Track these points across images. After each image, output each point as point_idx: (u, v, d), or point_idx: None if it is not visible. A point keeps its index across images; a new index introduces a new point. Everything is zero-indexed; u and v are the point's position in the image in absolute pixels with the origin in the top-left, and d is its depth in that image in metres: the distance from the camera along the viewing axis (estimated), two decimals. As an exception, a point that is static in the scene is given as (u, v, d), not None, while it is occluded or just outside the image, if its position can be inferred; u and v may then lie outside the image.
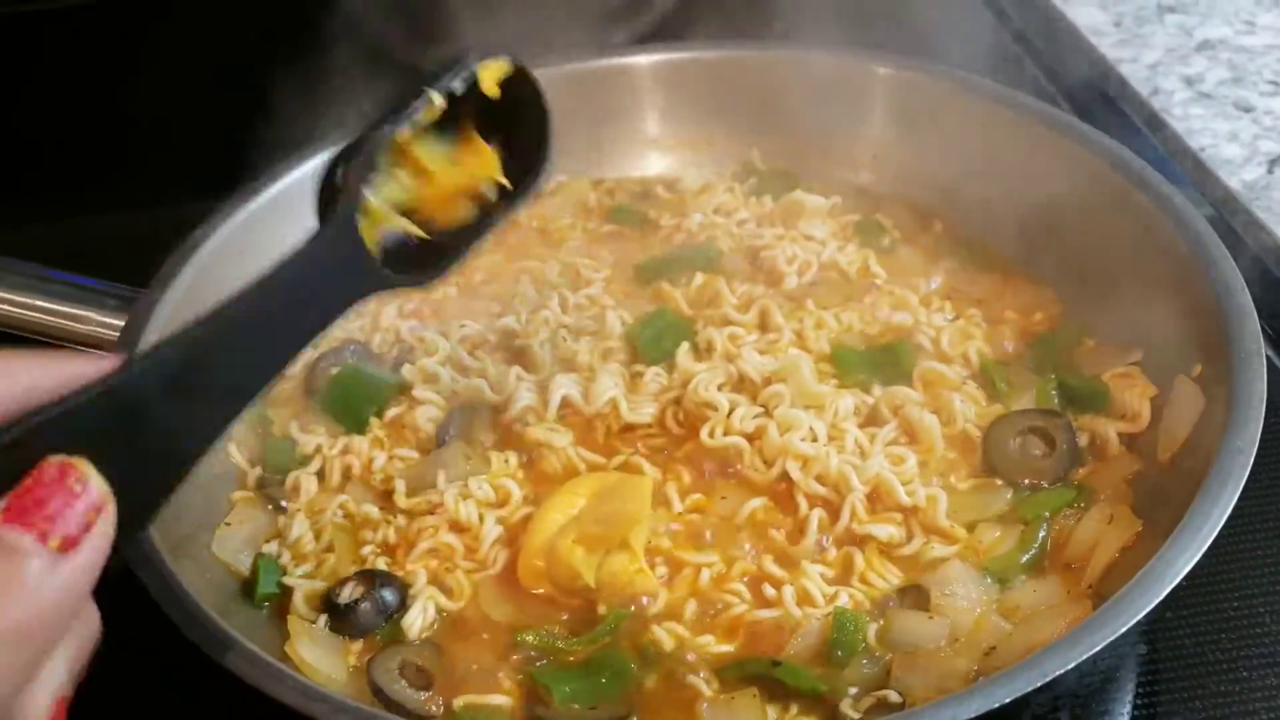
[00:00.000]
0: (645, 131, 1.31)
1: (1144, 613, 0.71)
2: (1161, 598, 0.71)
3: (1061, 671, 0.70)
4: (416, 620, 0.86)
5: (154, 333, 0.97)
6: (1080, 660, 0.70)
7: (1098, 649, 0.70)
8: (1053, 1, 1.65)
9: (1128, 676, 0.89)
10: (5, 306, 1.04)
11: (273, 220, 1.11)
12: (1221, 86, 1.45)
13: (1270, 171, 1.32)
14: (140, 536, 0.78)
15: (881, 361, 1.01)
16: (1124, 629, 0.71)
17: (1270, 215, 1.25)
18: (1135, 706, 0.86)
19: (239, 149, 1.14)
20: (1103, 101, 1.48)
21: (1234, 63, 1.49)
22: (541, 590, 0.88)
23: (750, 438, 0.95)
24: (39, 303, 1.04)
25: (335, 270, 0.73)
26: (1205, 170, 1.31)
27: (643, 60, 1.28)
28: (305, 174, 1.13)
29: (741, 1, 1.36)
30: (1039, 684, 0.70)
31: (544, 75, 1.22)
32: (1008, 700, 0.69)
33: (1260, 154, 1.34)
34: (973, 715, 0.68)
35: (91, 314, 1.03)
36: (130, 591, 0.76)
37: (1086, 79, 1.51)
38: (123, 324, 1.00)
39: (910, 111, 1.22)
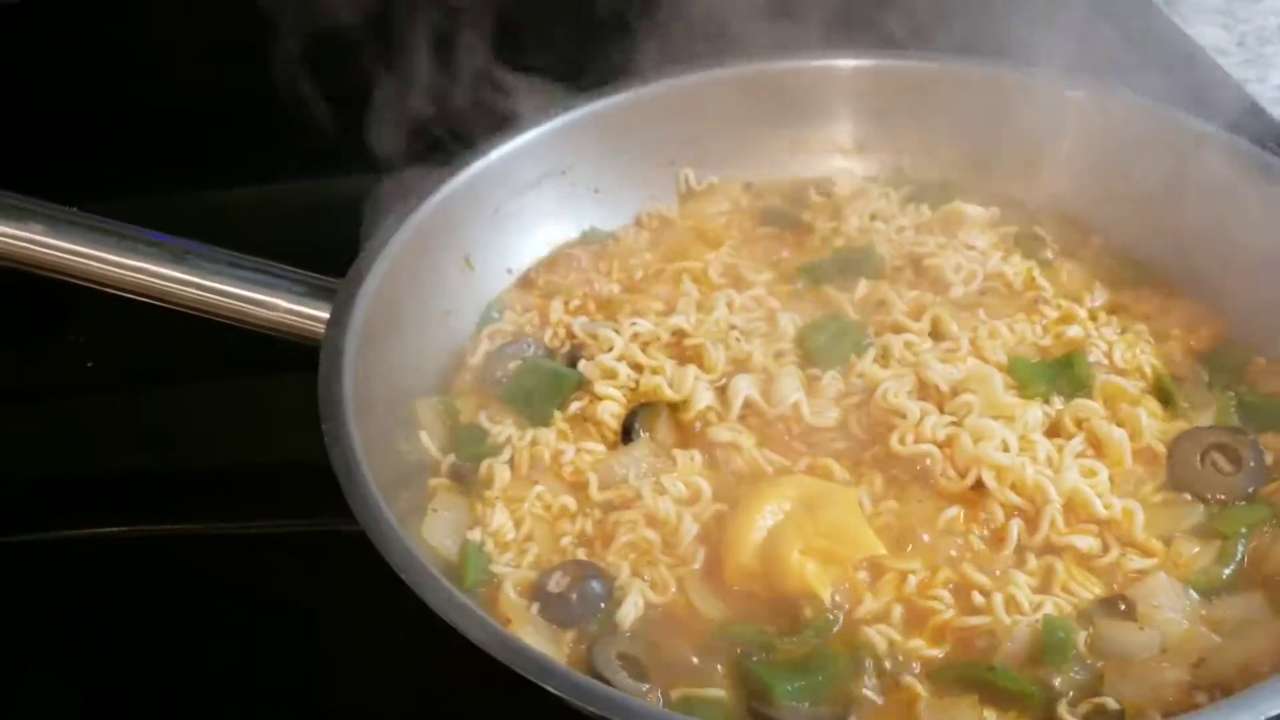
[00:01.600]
0: (794, 135, 1.32)
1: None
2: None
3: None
4: (630, 613, 0.88)
5: (356, 325, 0.98)
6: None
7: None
8: (1172, 19, 1.66)
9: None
10: (194, 291, 1.05)
11: (452, 213, 1.13)
12: (1351, 109, 1.46)
13: None
14: (380, 521, 0.81)
15: (1058, 374, 1.02)
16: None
17: None
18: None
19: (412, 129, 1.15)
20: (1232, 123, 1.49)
21: (1360, 86, 1.50)
22: (747, 589, 0.89)
23: (941, 445, 0.96)
24: (227, 288, 1.05)
25: None
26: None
27: (799, 65, 1.29)
28: (485, 166, 1.15)
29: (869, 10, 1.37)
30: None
31: (701, 79, 1.27)
32: None
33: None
34: None
35: (280, 301, 1.05)
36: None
37: (1216, 100, 1.52)
38: (315, 312, 1.01)
39: (1065, 126, 1.23)
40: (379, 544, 0.80)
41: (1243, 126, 1.45)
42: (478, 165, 1.14)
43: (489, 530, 0.95)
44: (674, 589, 0.90)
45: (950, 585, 0.89)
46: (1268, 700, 0.70)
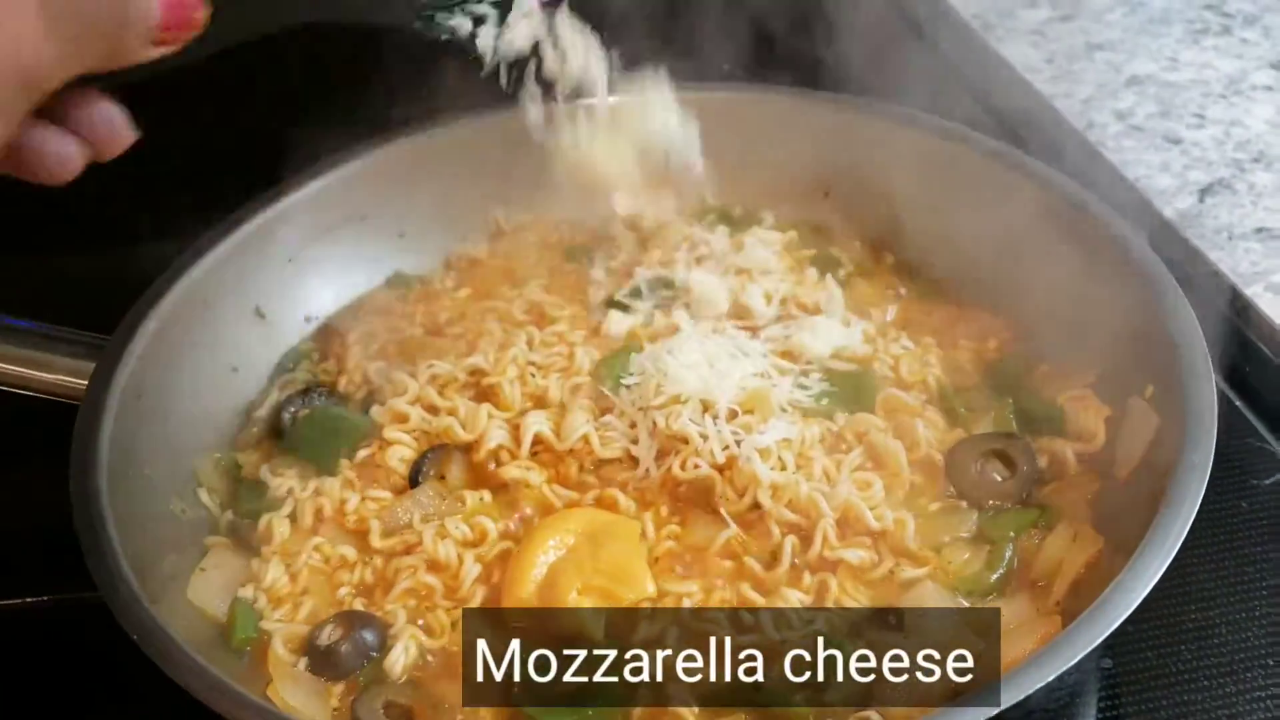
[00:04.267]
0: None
1: (1114, 626, 0.73)
2: (1131, 610, 0.74)
3: (1038, 686, 0.72)
4: (399, 659, 0.86)
5: (121, 382, 0.96)
6: (1058, 674, 0.72)
7: (1074, 662, 0.72)
8: (987, 41, 1.71)
9: (1091, 689, 0.91)
10: (-33, 358, 1.02)
11: (238, 264, 1.11)
12: (1151, 120, 1.51)
13: (1201, 200, 1.38)
14: (120, 586, 0.78)
15: (844, 390, 1.03)
16: (1096, 643, 0.73)
17: (1204, 242, 1.31)
18: (1098, 717, 0.89)
19: (205, 190, 1.14)
20: (1040, 135, 1.53)
21: (1161, 97, 1.56)
22: (525, 625, 0.88)
23: (720, 469, 0.96)
24: (3, 350, 1.02)
25: None
26: (1142, 200, 1.36)
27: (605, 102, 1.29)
28: (269, 218, 1.14)
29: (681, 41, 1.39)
30: (1017, 700, 0.71)
31: (507, 117, 1.27)
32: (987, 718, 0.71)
33: (1190, 184, 1.40)
34: None
35: (56, 360, 1.02)
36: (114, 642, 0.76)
37: (1024, 113, 1.56)
38: (89, 369, 0.99)
39: (860, 148, 1.25)
40: (116, 611, 0.77)
41: (1046, 140, 1.50)
42: (264, 214, 1.13)
43: (262, 586, 0.93)
44: (449, 631, 0.89)
45: (725, 606, 0.88)
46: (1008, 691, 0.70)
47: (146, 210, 1.17)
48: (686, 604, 0.89)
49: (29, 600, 1.01)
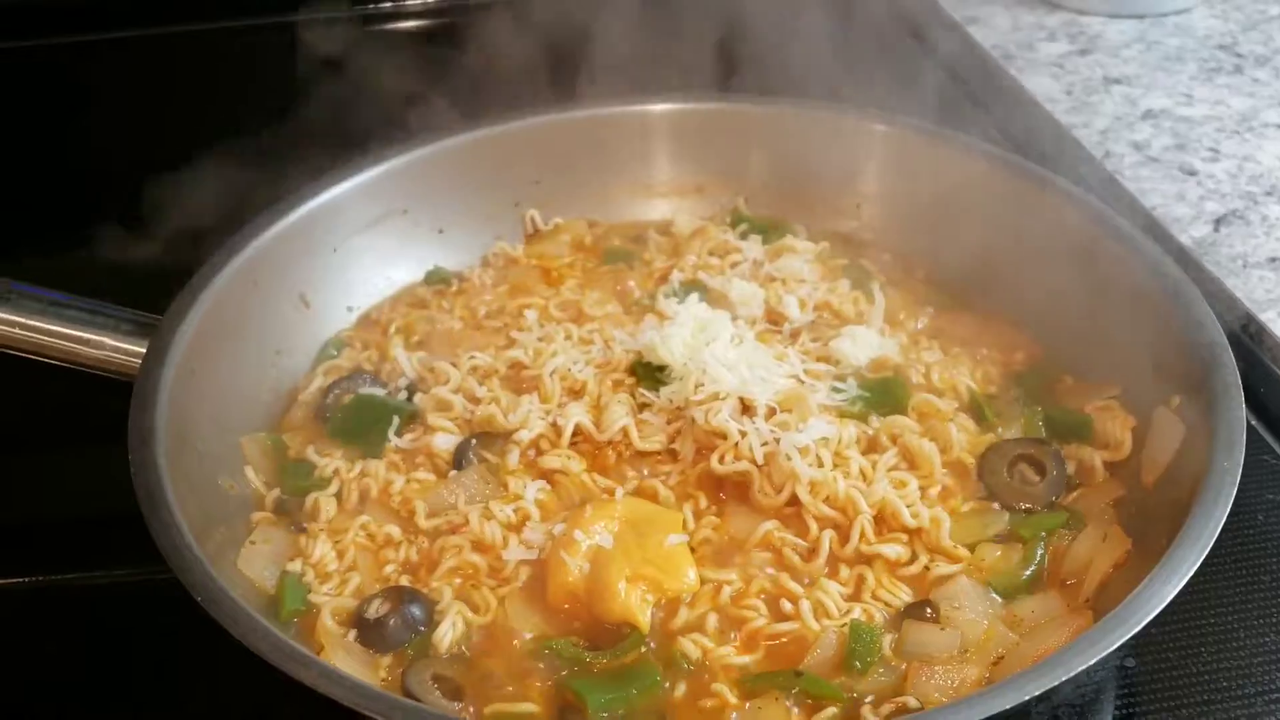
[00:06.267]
0: (638, 177, 1.36)
1: (1147, 620, 0.76)
2: (1162, 608, 0.77)
3: (1067, 677, 0.75)
4: (447, 634, 0.89)
5: (175, 358, 0.98)
6: (1088, 665, 0.75)
7: (1106, 654, 0.75)
8: (1009, 71, 1.76)
9: (1112, 688, 0.94)
10: (19, 331, 1.05)
11: (286, 250, 1.14)
12: (1167, 152, 1.56)
13: (1216, 229, 1.42)
14: (184, 552, 0.80)
15: (877, 394, 1.07)
16: (1128, 636, 0.76)
17: (1219, 269, 1.35)
18: (1120, 714, 0.92)
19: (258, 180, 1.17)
20: (1059, 163, 1.57)
21: (1176, 130, 1.61)
22: (569, 609, 0.90)
23: (759, 466, 0.99)
24: (53, 327, 1.05)
25: None
26: (1159, 227, 1.41)
27: (640, 109, 1.34)
28: (318, 207, 1.17)
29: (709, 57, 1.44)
30: (1047, 689, 0.74)
31: (546, 120, 1.31)
32: (1015, 704, 0.73)
33: (1206, 213, 1.45)
34: (984, 717, 0.72)
35: (106, 339, 1.04)
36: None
37: (1043, 141, 1.61)
38: (139, 349, 1.01)
39: (895, 164, 1.29)
40: (179, 572, 0.79)
41: (1066, 167, 1.55)
42: (310, 204, 1.16)
43: (310, 561, 0.95)
44: (495, 609, 0.91)
45: (764, 595, 0.91)
46: (1034, 681, 0.73)
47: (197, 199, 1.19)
48: (727, 592, 0.91)
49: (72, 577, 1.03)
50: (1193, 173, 1.52)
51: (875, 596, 0.91)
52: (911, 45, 1.76)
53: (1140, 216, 1.44)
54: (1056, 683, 0.75)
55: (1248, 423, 1.15)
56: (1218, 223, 1.43)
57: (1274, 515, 1.07)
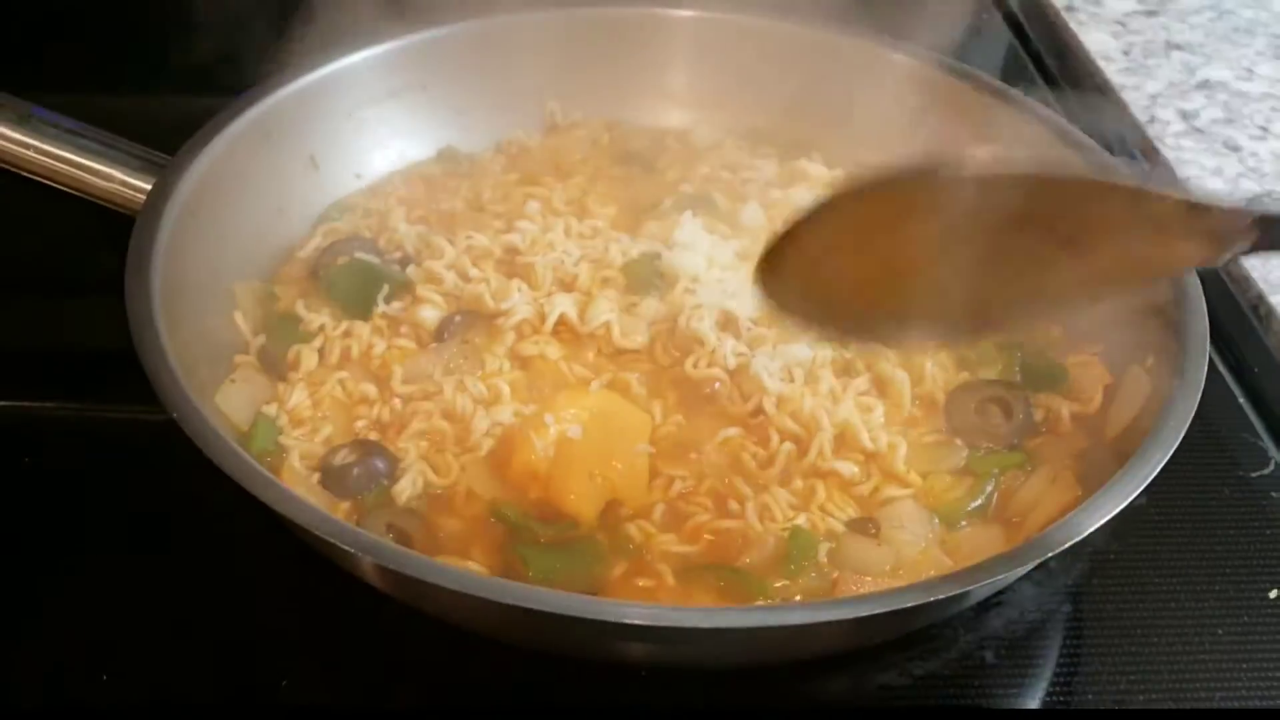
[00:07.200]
0: (664, 84, 1.42)
1: (1061, 548, 0.83)
2: (1081, 537, 0.84)
3: (971, 587, 0.82)
4: (406, 489, 0.97)
5: (181, 196, 1.07)
6: (990, 581, 0.82)
7: (1013, 575, 0.82)
8: (1069, 25, 1.79)
9: (1053, 633, 1.01)
10: (33, 154, 1.13)
11: (302, 109, 1.22)
12: (1215, 125, 1.60)
13: (1247, 208, 1.46)
14: (165, 375, 0.89)
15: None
16: (1039, 559, 0.84)
17: (1241, 247, 1.40)
18: (1061, 658, 0.99)
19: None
20: (1101, 123, 1.61)
21: (1229, 105, 1.64)
22: (525, 484, 0.99)
23: (731, 373, 1.07)
24: (66, 154, 1.13)
25: None
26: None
27: (675, 14, 1.39)
28: (338, 69, 1.24)
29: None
30: (953, 593, 0.81)
31: (571, 14, 1.36)
32: (922, 602, 0.80)
33: (1240, 190, 1.49)
34: (882, 610, 0.78)
35: (116, 172, 1.13)
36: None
37: (1089, 100, 1.65)
38: (147, 186, 1.10)
39: (924, 102, 1.34)
40: (160, 391, 0.88)
41: (1106, 128, 1.59)
42: (331, 66, 1.23)
43: (285, 407, 1.04)
44: (456, 474, 1.00)
45: (712, 495, 0.99)
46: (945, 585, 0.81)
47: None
48: (677, 486, 0.99)
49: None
50: (1236, 149, 1.56)
51: (822, 508, 0.98)
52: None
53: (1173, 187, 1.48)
54: (959, 590, 0.82)
55: (1235, 400, 1.22)
56: (1249, 202, 1.47)
57: (1242, 491, 1.13)
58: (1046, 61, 1.79)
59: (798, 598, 0.92)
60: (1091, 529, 0.83)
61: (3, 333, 1.25)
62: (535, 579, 0.91)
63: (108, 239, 1.12)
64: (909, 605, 0.79)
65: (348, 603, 0.92)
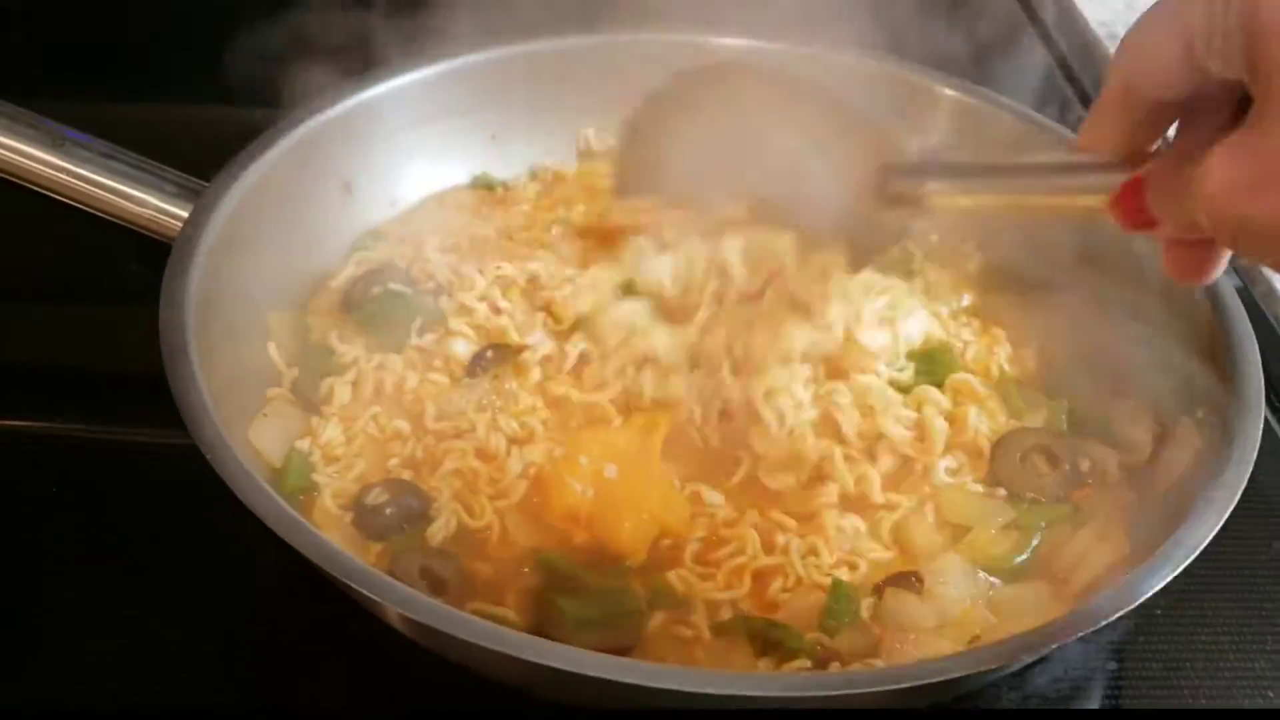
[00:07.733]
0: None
1: (1113, 617, 0.82)
2: (1133, 606, 0.82)
3: (1031, 659, 0.81)
4: (440, 531, 0.96)
5: (217, 225, 1.06)
6: (1048, 650, 0.81)
7: (1066, 641, 0.80)
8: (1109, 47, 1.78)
9: (1095, 691, 1.00)
10: (67, 178, 1.13)
11: (337, 135, 1.21)
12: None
13: None
14: (199, 411, 0.88)
15: (924, 364, 1.12)
16: (1092, 629, 0.82)
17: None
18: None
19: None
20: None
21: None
22: (566, 528, 0.97)
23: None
24: (102, 178, 1.13)
25: None
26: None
27: (719, 42, 1.37)
28: (376, 95, 1.23)
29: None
30: (1011, 665, 0.80)
31: (612, 41, 1.35)
32: (972, 672, 0.79)
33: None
34: (932, 680, 0.77)
35: (152, 198, 1.12)
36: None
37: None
38: (183, 212, 1.09)
39: (950, 134, 1.32)
40: (193, 427, 0.87)
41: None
42: (368, 93, 1.22)
43: (319, 442, 1.03)
44: (489, 516, 0.98)
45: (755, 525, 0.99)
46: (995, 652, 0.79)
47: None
48: (721, 515, 0.99)
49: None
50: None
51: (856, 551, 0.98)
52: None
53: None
54: (1010, 663, 0.80)
55: (1268, 423, 1.20)
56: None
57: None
58: (1082, 84, 1.78)
59: (844, 654, 0.90)
60: (1145, 597, 0.82)
61: (27, 348, 1.24)
62: (570, 628, 0.90)
63: (137, 251, 1.12)
64: (956, 675, 0.77)
65: (373, 644, 0.91)
